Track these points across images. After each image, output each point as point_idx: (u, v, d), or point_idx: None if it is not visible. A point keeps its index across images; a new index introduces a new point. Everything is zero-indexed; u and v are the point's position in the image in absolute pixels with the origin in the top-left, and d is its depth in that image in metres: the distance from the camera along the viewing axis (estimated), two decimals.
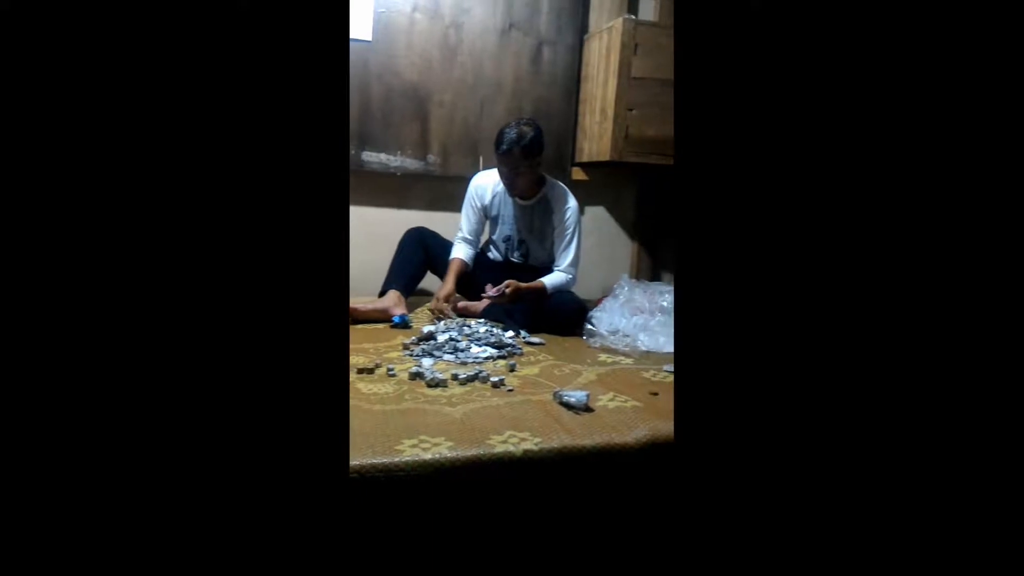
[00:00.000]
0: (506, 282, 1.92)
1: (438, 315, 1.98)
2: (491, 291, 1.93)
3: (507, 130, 1.92)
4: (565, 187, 2.12)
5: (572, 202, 2.08)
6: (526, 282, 1.98)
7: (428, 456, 0.99)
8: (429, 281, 2.23)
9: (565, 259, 2.07)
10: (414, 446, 1.02)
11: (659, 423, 1.19)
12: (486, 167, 2.26)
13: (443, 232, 2.23)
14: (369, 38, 2.29)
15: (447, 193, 2.43)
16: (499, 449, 1.04)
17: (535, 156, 1.95)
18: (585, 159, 2.51)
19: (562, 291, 2.06)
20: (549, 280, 2.03)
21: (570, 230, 2.07)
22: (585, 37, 2.50)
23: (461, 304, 2.05)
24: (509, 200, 2.11)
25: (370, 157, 2.36)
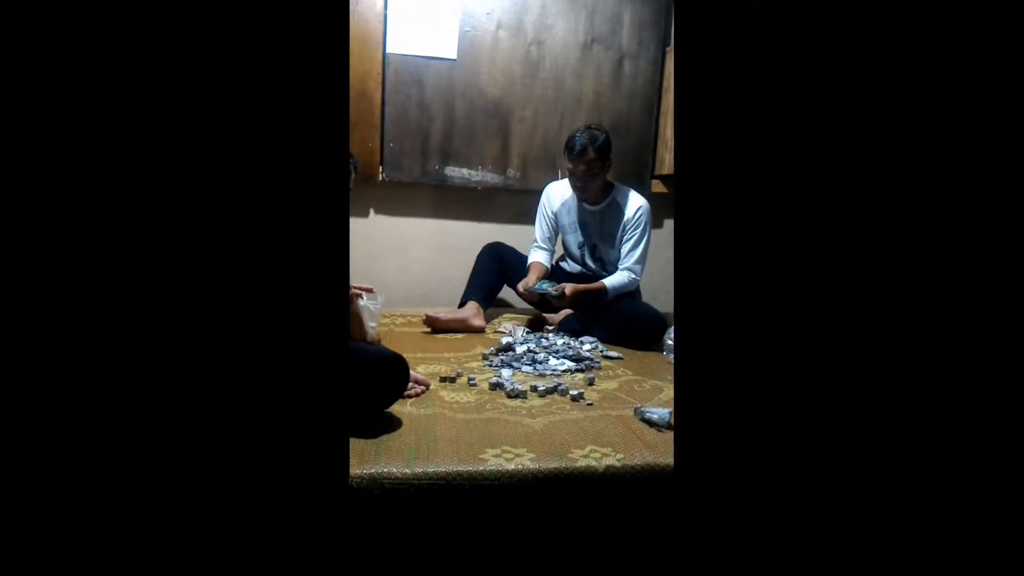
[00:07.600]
0: (563, 284, 1.95)
1: (529, 296, 2.01)
2: (546, 288, 1.94)
3: (578, 135, 1.95)
4: (634, 191, 2.11)
5: (643, 203, 2.06)
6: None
7: (511, 466, 1.01)
8: (505, 293, 2.27)
9: (631, 258, 2.05)
10: (497, 456, 1.04)
11: None
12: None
13: (521, 244, 2.27)
14: (454, 56, 2.36)
15: (526, 206, 2.47)
16: (581, 463, 1.04)
17: (606, 158, 1.96)
18: (666, 171, 2.48)
19: (640, 303, 2.05)
20: (610, 281, 2.02)
21: (639, 229, 2.04)
22: (667, 49, 2.47)
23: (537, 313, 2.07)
24: (579, 207, 2.12)
25: (453, 172, 2.43)
